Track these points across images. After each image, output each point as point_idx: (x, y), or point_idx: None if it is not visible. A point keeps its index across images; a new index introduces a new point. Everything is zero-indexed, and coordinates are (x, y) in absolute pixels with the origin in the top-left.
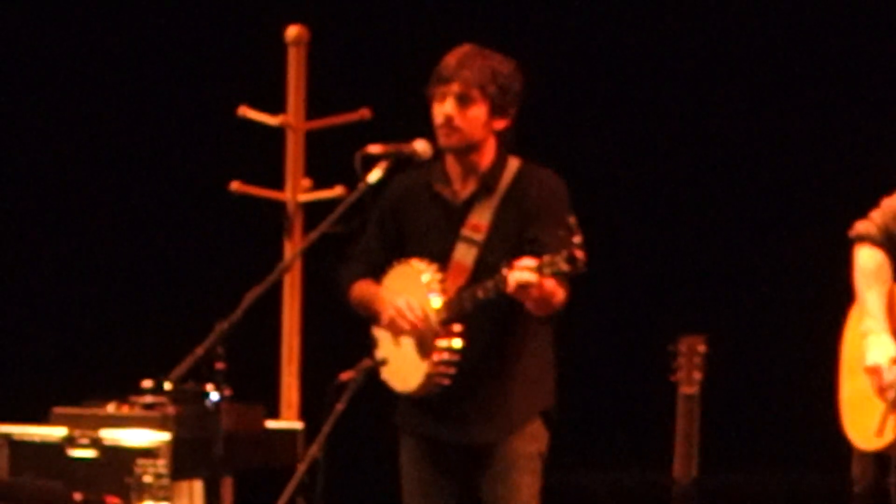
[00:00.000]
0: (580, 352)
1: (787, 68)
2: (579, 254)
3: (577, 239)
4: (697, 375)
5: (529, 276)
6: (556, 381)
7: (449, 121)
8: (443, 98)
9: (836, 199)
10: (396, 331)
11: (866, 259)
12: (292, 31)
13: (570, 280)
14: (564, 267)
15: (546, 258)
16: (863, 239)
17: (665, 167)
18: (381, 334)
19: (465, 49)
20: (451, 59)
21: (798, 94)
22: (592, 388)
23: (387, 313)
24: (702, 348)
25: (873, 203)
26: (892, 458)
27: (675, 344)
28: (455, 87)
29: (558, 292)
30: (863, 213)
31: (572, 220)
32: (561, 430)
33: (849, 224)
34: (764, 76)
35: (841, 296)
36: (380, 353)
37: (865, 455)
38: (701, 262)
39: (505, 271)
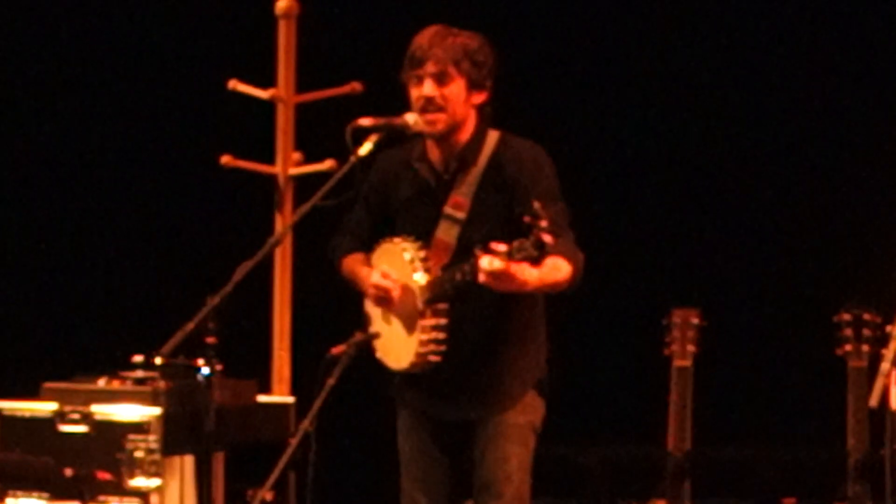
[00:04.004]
0: (574, 324)
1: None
2: (547, 238)
3: (543, 223)
4: (691, 348)
5: (498, 265)
6: (549, 354)
7: (430, 101)
8: (419, 81)
9: (832, 170)
10: (381, 306)
11: None
12: (282, 4)
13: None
14: (534, 252)
15: (515, 244)
16: None
17: (658, 138)
18: (373, 311)
19: (432, 30)
20: (420, 41)
21: (792, 68)
22: (586, 360)
23: (368, 292)
24: (695, 321)
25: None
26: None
27: (669, 316)
28: (430, 67)
29: (535, 278)
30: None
31: (556, 187)
32: (555, 404)
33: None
34: (751, 56)
35: (835, 268)
36: (372, 330)
37: (860, 427)
38: (694, 234)
39: (479, 253)
